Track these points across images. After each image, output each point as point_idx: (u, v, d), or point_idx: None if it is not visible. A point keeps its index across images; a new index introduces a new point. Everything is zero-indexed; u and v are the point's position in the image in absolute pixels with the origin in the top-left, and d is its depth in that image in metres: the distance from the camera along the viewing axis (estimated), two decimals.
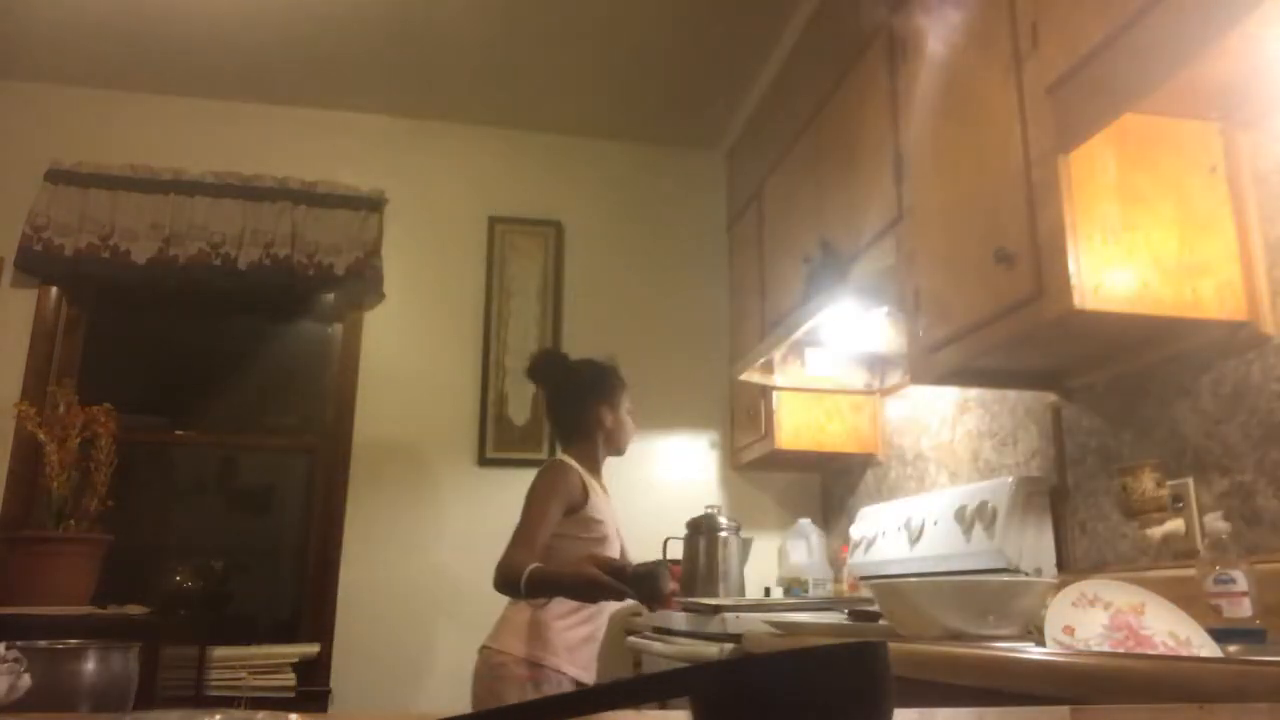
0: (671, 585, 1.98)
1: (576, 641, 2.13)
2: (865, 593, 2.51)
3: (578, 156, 3.84)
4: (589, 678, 2.16)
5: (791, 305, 2.83)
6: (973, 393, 2.51)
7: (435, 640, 3.24)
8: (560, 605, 2.10)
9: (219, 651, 2.96)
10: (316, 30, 3.18)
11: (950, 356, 2.00)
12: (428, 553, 3.32)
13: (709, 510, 3.03)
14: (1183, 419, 1.78)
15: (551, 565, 2.03)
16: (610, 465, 2.40)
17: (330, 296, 3.56)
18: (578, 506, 2.15)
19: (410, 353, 3.50)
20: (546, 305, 3.62)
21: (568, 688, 2.04)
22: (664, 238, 3.81)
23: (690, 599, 2.66)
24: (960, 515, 2.24)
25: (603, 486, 2.31)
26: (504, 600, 2.16)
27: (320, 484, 3.43)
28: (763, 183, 3.33)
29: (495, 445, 3.46)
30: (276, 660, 3.02)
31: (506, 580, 1.99)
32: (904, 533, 2.49)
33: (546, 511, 2.09)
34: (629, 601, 2.02)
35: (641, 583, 1.86)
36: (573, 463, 2.22)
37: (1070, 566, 2.05)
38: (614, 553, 2.17)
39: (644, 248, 3.78)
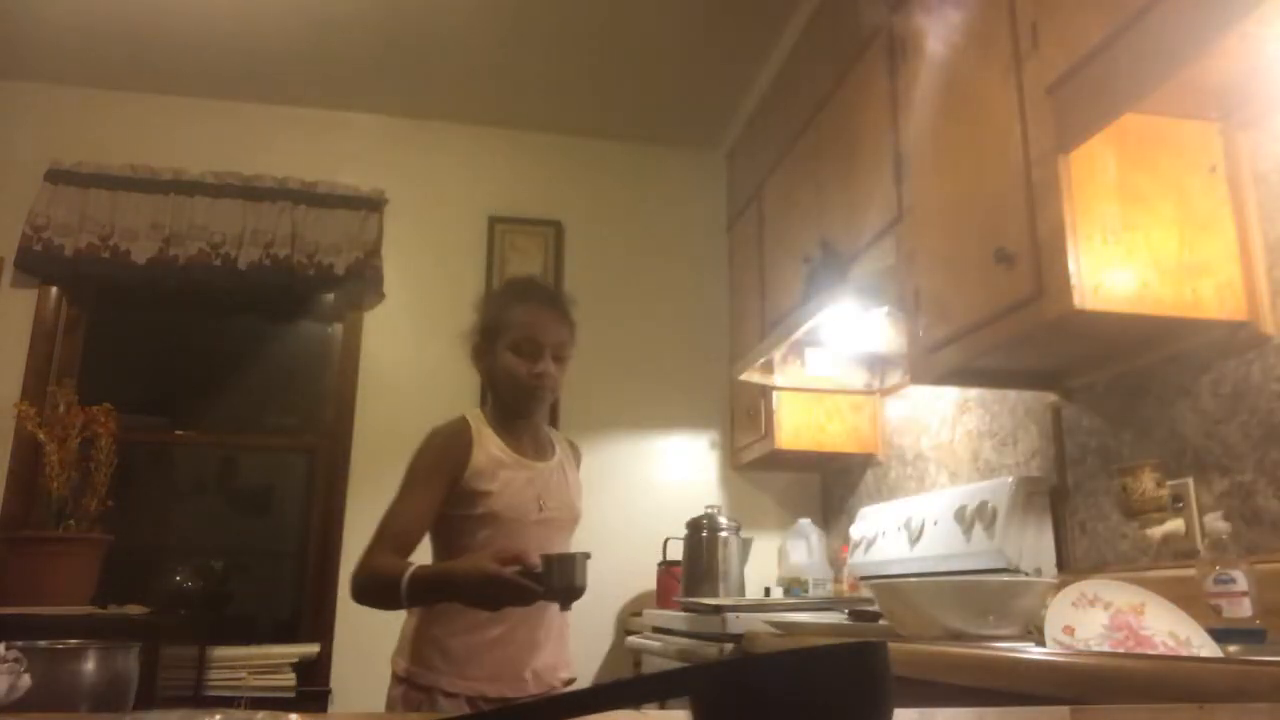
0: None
1: (471, 651, 1.62)
2: (865, 593, 2.51)
3: (578, 156, 3.84)
4: (506, 690, 1.63)
5: (791, 305, 2.83)
6: (973, 393, 2.51)
7: None
8: (449, 606, 1.60)
9: (219, 651, 2.96)
10: (317, 30, 3.17)
11: (950, 356, 2.00)
12: (426, 552, 3.31)
13: (709, 510, 3.03)
14: (1183, 419, 1.78)
15: (443, 560, 1.66)
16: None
17: (330, 296, 3.56)
18: (458, 475, 1.65)
19: (410, 353, 3.50)
20: None
21: (448, 710, 1.55)
22: (664, 238, 3.81)
23: (690, 599, 2.66)
24: (960, 515, 2.24)
25: (534, 448, 1.76)
26: None
27: (320, 484, 3.43)
28: (763, 183, 3.33)
29: None
30: (276, 660, 3.02)
31: (374, 587, 1.57)
32: (904, 533, 2.49)
33: (416, 490, 1.65)
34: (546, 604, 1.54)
35: (553, 571, 1.43)
36: (474, 420, 1.72)
37: (1070, 566, 2.05)
38: (519, 538, 1.62)
39: (644, 248, 3.78)
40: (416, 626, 1.67)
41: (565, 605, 1.49)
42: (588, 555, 1.47)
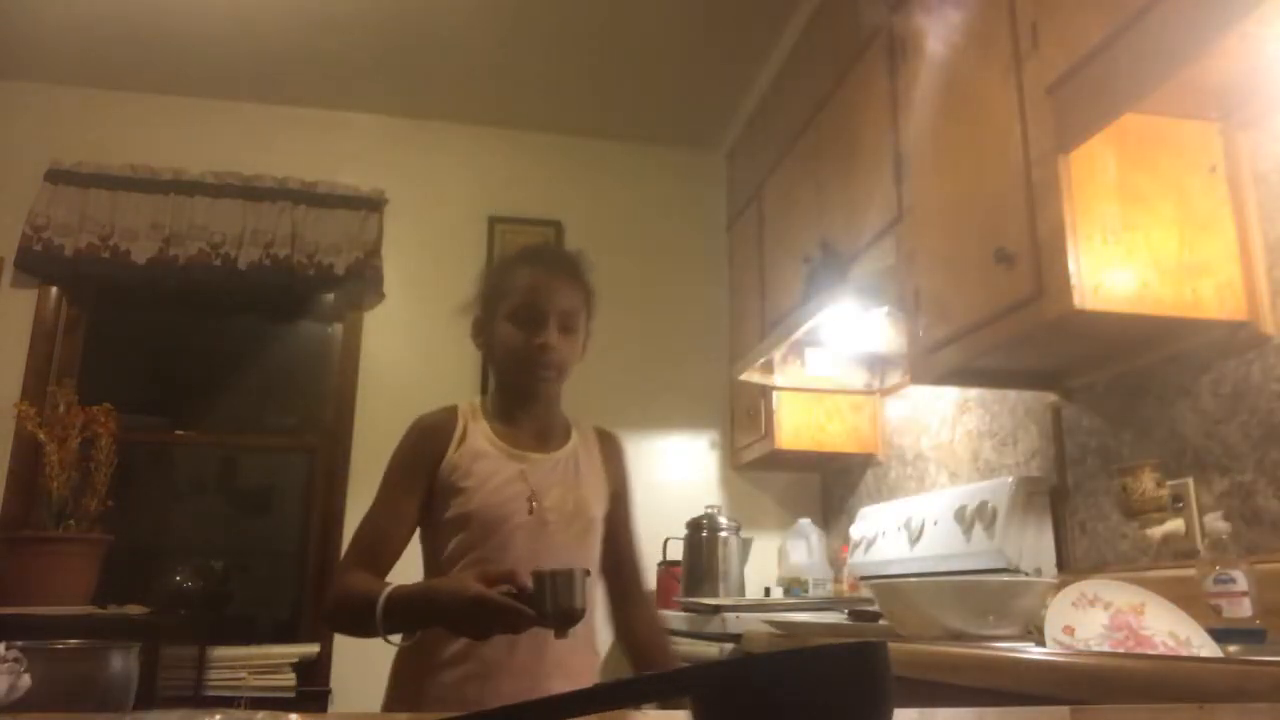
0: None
1: (451, 686, 1.35)
2: (865, 593, 2.51)
3: (578, 156, 3.84)
4: None
5: (791, 305, 2.83)
6: (973, 393, 2.51)
7: None
8: (429, 632, 1.35)
9: (219, 651, 2.96)
10: (316, 30, 3.17)
11: (950, 356, 2.00)
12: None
13: (709, 510, 3.03)
14: (1183, 419, 1.78)
15: (430, 572, 1.45)
16: None
17: (330, 296, 3.56)
18: (435, 470, 1.42)
19: (410, 353, 3.50)
20: None
21: None
22: (664, 238, 3.81)
23: (690, 599, 2.66)
24: (960, 515, 2.24)
25: (538, 438, 1.50)
26: None
27: (320, 484, 3.43)
28: (763, 183, 3.33)
29: None
30: (276, 660, 3.02)
31: (346, 613, 1.32)
32: (904, 533, 2.49)
33: (389, 491, 1.43)
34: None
35: (546, 591, 1.18)
36: (465, 408, 1.49)
37: (1070, 566, 2.05)
38: (498, 543, 1.40)
39: (644, 248, 3.78)
40: (395, 657, 1.44)
41: (561, 631, 1.21)
42: (587, 572, 1.24)
